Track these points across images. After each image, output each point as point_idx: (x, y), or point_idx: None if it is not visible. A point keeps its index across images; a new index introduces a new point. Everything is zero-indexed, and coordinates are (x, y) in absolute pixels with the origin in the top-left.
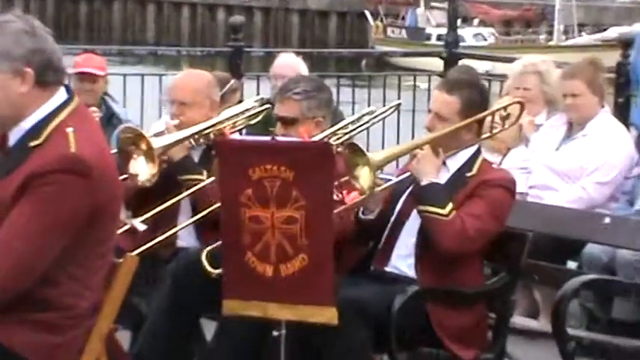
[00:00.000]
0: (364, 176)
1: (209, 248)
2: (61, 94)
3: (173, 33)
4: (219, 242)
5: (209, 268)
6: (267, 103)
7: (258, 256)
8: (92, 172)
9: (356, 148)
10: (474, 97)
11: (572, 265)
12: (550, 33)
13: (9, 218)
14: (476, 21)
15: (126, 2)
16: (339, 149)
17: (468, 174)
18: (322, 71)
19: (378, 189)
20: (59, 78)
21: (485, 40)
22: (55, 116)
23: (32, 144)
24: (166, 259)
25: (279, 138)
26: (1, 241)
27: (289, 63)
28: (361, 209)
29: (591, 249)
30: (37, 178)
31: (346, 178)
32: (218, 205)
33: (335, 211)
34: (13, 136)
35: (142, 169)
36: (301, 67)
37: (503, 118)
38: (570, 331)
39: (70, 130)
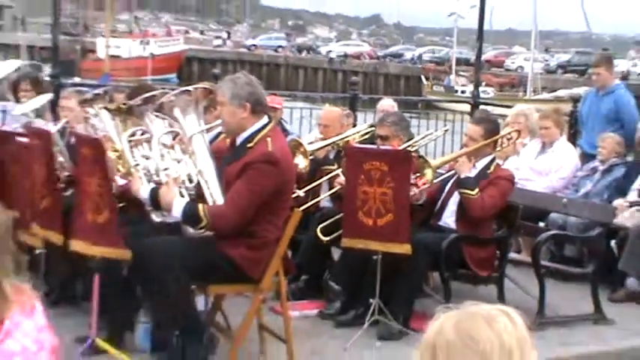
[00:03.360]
0: (428, 174)
1: (321, 225)
2: (264, 119)
3: (310, 84)
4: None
5: (322, 237)
6: (372, 127)
7: (365, 214)
8: (279, 164)
9: (423, 157)
10: (491, 127)
11: (542, 224)
12: (525, 92)
13: (233, 188)
14: (483, 83)
15: (288, 66)
16: (413, 154)
17: (488, 171)
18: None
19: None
20: (264, 110)
21: (488, 94)
22: (261, 131)
23: (248, 145)
24: (312, 213)
25: (381, 147)
26: (231, 199)
27: (391, 103)
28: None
29: (553, 216)
30: (249, 165)
31: (418, 174)
32: (340, 187)
33: (411, 194)
34: (238, 140)
35: (301, 163)
36: (395, 106)
37: (507, 140)
38: (542, 262)
39: (269, 139)
